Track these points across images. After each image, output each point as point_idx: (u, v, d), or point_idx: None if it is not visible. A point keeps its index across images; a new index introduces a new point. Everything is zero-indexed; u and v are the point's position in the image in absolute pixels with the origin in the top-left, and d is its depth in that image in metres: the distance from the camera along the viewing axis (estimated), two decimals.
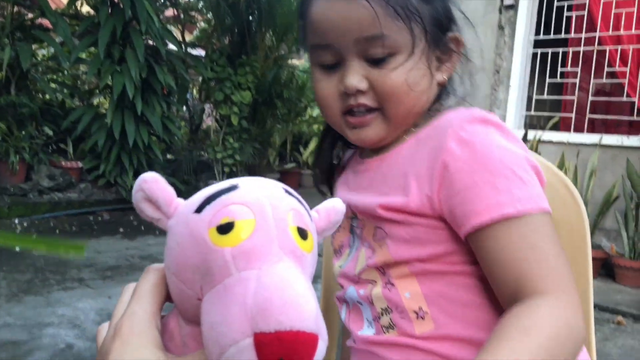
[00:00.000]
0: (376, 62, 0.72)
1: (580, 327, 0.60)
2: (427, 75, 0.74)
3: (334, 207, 0.55)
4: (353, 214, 0.80)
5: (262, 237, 0.43)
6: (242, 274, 0.41)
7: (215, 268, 0.43)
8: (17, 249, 4.03)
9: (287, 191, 0.48)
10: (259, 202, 0.45)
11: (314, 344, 0.40)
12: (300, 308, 0.39)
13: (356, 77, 0.72)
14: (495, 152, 0.66)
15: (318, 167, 0.91)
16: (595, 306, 3.35)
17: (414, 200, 0.69)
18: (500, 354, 0.56)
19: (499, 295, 0.66)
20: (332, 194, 0.89)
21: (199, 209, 0.45)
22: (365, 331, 0.77)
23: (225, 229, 0.43)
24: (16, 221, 4.93)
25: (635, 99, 4.46)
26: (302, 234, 0.46)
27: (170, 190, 0.48)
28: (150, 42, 5.56)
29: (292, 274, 0.42)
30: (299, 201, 0.49)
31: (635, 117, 4.45)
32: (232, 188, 0.46)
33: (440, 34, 0.75)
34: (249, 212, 0.44)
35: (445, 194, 0.67)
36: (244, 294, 0.40)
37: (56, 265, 3.77)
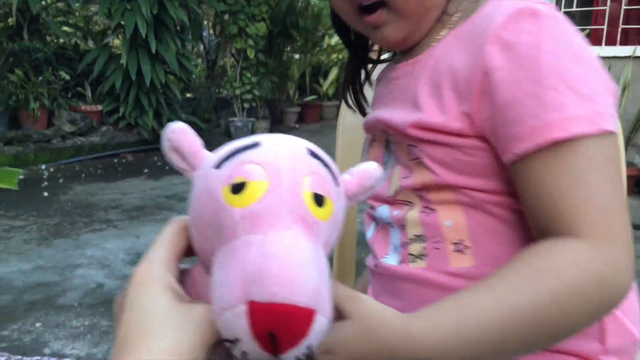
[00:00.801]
0: None
1: (619, 285, 0.50)
2: None
3: (368, 171, 0.51)
4: (384, 130, 0.70)
5: (273, 200, 0.41)
6: (247, 238, 0.40)
7: (225, 227, 0.42)
8: (45, 194, 4.10)
9: (311, 152, 0.45)
10: (276, 163, 0.43)
11: (308, 320, 0.38)
12: (296, 280, 0.38)
13: None
14: (544, 56, 0.54)
15: (348, 85, 0.81)
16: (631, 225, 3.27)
17: (452, 119, 0.59)
18: (500, 289, 0.49)
19: (533, 231, 0.57)
20: (362, 113, 0.81)
21: (218, 165, 0.44)
22: (389, 259, 0.68)
23: (238, 188, 0.42)
24: (42, 167, 4.99)
25: None
26: (319, 200, 0.43)
27: (197, 142, 0.47)
28: None
29: (297, 244, 0.40)
30: (325, 164, 0.46)
31: None
32: (254, 145, 0.44)
33: None
34: (263, 173, 0.42)
35: (485, 111, 0.57)
36: (244, 259, 0.39)
37: (83, 207, 3.83)
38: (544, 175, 0.53)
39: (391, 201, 0.69)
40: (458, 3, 0.65)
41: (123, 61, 5.22)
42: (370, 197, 0.72)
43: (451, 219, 0.62)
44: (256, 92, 6.34)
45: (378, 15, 0.64)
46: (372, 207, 0.73)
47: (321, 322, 0.39)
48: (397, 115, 0.65)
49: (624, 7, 4.41)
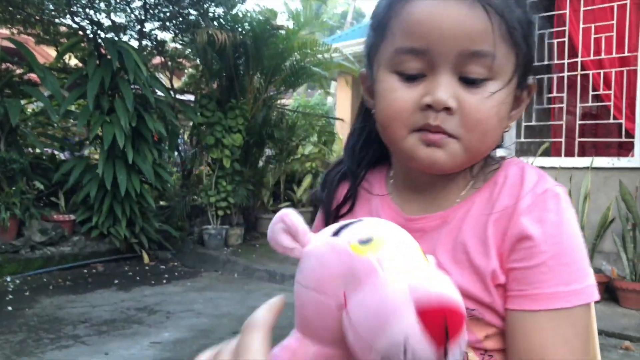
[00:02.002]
0: (470, 83, 0.64)
1: None
2: (507, 114, 0.68)
3: None
4: None
5: (399, 249, 0.51)
6: (390, 273, 0.47)
7: (361, 272, 0.48)
8: (10, 308, 3.95)
9: None
10: (388, 226, 0.54)
11: (463, 314, 0.46)
12: (452, 287, 0.46)
13: (448, 92, 0.63)
14: (565, 238, 0.65)
15: (352, 172, 0.81)
16: (600, 332, 3.29)
17: (495, 298, 0.66)
18: None
19: None
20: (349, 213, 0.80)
21: (336, 233, 0.53)
22: None
23: (365, 242, 0.50)
24: (8, 279, 4.84)
25: (622, 121, 4.49)
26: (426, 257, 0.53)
27: (304, 223, 0.55)
28: (139, 91, 5.59)
29: (438, 273, 0.49)
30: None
31: (624, 139, 4.47)
32: (359, 220, 0.54)
33: (527, 73, 0.69)
34: (381, 232, 0.52)
35: (509, 263, 0.66)
36: (400, 284, 0.46)
37: (50, 322, 3.69)
38: (541, 330, 0.63)
39: None
40: (479, 168, 0.73)
41: (99, 171, 5.28)
42: None
43: None
44: (231, 200, 6.40)
45: (440, 137, 0.65)
46: None
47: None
48: (458, 277, 0.66)
49: (578, 121, 4.72)
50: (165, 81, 6.48)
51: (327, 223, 0.79)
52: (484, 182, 0.71)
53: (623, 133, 4.49)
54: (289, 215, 0.54)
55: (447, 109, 0.63)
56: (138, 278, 5.13)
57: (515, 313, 0.65)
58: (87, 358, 3.05)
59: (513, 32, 0.64)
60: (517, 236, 0.65)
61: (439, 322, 0.44)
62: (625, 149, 4.61)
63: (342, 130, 9.42)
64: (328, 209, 0.82)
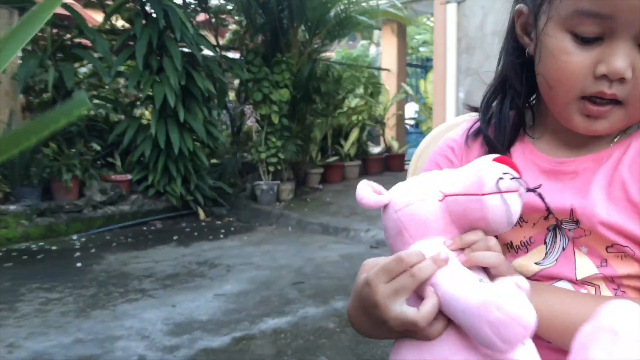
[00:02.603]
0: None
1: None
2: None
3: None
4: (571, 219, 0.71)
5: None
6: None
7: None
8: (79, 264, 4.13)
9: None
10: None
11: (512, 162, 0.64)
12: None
13: (626, 61, 0.61)
14: None
15: (501, 130, 0.77)
16: None
17: None
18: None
19: None
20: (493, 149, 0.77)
21: None
22: None
23: None
24: (74, 237, 5.06)
25: None
26: None
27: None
28: (186, 50, 5.60)
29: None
30: None
31: None
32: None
33: None
34: None
35: None
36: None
37: (117, 277, 3.84)
38: None
39: (574, 281, 0.70)
40: None
41: (152, 131, 5.37)
42: (534, 273, 0.73)
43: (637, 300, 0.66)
44: (281, 156, 6.43)
45: (607, 110, 0.64)
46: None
47: None
48: (600, 214, 0.66)
49: None
50: (210, 38, 6.45)
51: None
52: (638, 127, 0.70)
53: None
54: (370, 182, 0.70)
55: (622, 79, 0.61)
56: (196, 234, 5.26)
57: None
58: (155, 310, 3.17)
59: None
60: None
61: (507, 163, 0.63)
62: None
63: (388, 80, 9.25)
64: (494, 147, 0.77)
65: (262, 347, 2.66)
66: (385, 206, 0.69)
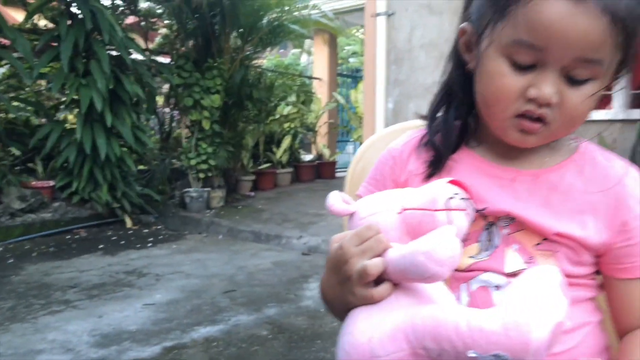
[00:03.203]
0: (573, 82, 0.70)
1: None
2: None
3: None
4: (507, 218, 0.79)
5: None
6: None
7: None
8: None
9: None
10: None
11: (467, 187, 0.77)
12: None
13: (554, 88, 0.69)
14: None
15: (444, 141, 0.84)
16: None
17: (592, 237, 0.76)
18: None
19: (624, 323, 0.80)
20: (431, 176, 0.84)
21: None
22: None
23: None
24: None
25: None
26: None
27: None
28: (114, 53, 5.44)
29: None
30: None
31: (602, 91, 4.55)
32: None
33: (627, 64, 0.74)
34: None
35: (619, 242, 0.77)
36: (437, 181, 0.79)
37: (38, 288, 3.67)
38: None
39: (504, 274, 0.77)
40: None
41: (77, 136, 5.18)
42: (468, 265, 0.79)
43: None
44: (212, 162, 6.36)
45: (537, 127, 0.72)
46: (465, 274, 0.79)
47: None
48: (539, 218, 0.76)
49: None
50: (139, 42, 6.30)
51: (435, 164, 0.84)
52: (570, 153, 0.81)
53: None
54: (339, 192, 0.81)
55: (549, 104, 0.69)
56: (123, 242, 5.11)
57: (627, 281, 0.78)
58: (81, 321, 3.06)
59: (629, 40, 0.68)
60: (630, 218, 0.76)
61: (458, 184, 0.74)
62: (603, 102, 4.69)
63: (320, 89, 9.37)
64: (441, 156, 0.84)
65: (194, 356, 2.63)
66: (352, 215, 0.79)
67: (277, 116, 7.89)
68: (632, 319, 0.79)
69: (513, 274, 0.77)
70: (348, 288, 0.70)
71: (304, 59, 13.64)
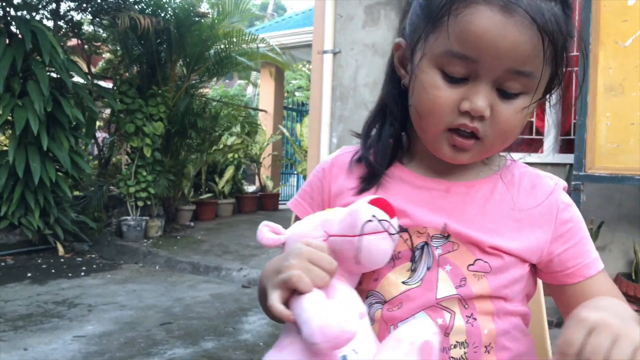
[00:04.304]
0: (505, 95, 0.70)
1: None
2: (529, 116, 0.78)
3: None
4: (441, 233, 0.78)
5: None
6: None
7: (334, 216, 0.78)
8: None
9: None
10: None
11: (391, 205, 0.74)
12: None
13: (486, 101, 0.69)
14: (581, 216, 0.83)
15: (380, 154, 0.84)
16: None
17: (528, 249, 0.78)
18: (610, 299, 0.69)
19: None
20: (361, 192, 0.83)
21: None
22: None
23: None
24: None
25: (534, 120, 4.82)
26: None
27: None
28: (54, 75, 5.29)
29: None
30: None
31: (534, 136, 4.80)
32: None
33: (558, 80, 0.76)
34: None
35: (559, 247, 0.80)
36: (360, 202, 0.75)
37: None
38: (598, 287, 0.80)
39: (431, 305, 0.76)
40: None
41: (10, 158, 4.96)
42: (400, 293, 0.78)
43: (487, 327, 0.76)
44: (151, 190, 6.22)
45: (470, 144, 0.73)
46: (398, 306, 0.77)
47: None
48: (473, 231, 0.77)
49: None
50: (81, 65, 6.17)
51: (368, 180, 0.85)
52: (499, 168, 0.83)
53: (534, 131, 4.82)
54: (269, 222, 0.80)
55: (481, 117, 0.70)
56: (53, 271, 4.88)
57: (577, 285, 0.80)
58: (4, 354, 2.88)
59: (559, 54, 0.70)
60: (562, 222, 0.80)
61: (381, 204, 0.71)
62: (535, 146, 4.95)
63: (265, 121, 9.41)
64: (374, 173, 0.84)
65: None
66: (283, 245, 0.78)
67: (221, 146, 7.84)
68: None
69: (443, 306, 0.76)
70: (275, 279, 0.67)
71: (249, 90, 13.70)
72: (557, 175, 0.87)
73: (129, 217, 6.21)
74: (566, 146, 4.63)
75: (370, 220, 0.69)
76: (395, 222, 0.73)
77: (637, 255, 4.08)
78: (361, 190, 0.83)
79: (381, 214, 0.70)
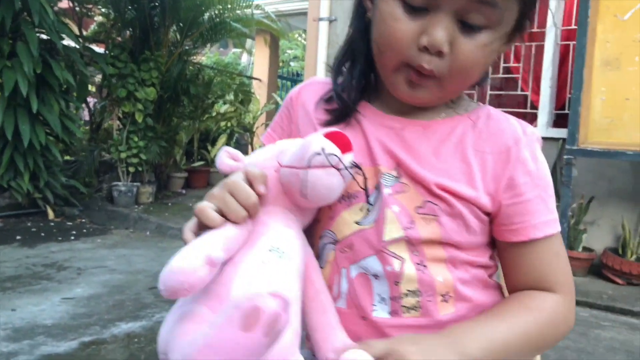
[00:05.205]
0: (467, 29, 0.66)
1: (571, 325, 0.76)
2: (495, 57, 0.73)
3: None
4: (393, 173, 0.75)
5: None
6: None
7: (287, 145, 0.75)
8: None
9: None
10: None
11: (347, 137, 0.72)
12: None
13: (445, 35, 0.65)
14: (548, 176, 0.77)
15: (347, 93, 0.81)
16: None
17: (482, 196, 0.73)
18: (499, 318, 0.70)
19: (513, 287, 0.78)
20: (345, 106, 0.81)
21: None
22: (379, 312, 0.74)
23: None
24: None
25: (529, 93, 4.80)
26: None
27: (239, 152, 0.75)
28: (45, 36, 5.19)
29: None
30: None
31: (529, 110, 4.78)
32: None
33: (524, 20, 0.71)
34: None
35: (508, 198, 0.74)
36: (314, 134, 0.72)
37: None
38: (540, 253, 0.75)
39: (379, 249, 0.73)
40: (458, 95, 0.80)
41: None
42: (353, 233, 0.75)
43: (441, 275, 0.73)
44: (143, 157, 6.17)
45: (425, 80, 0.69)
46: (350, 248, 0.75)
47: None
48: (423, 169, 0.73)
49: (489, 91, 4.98)
50: (73, 28, 6.05)
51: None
52: (466, 112, 0.78)
53: (528, 104, 4.79)
54: (229, 148, 0.74)
55: (440, 52, 0.66)
56: (43, 234, 4.87)
57: (517, 245, 0.75)
58: None
59: None
60: (520, 173, 0.74)
61: (337, 138, 0.68)
62: (529, 120, 4.93)
63: (259, 90, 9.32)
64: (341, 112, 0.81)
65: (114, 352, 2.53)
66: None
67: (214, 114, 7.77)
68: (529, 282, 0.76)
69: (392, 253, 0.73)
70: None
71: (244, 58, 13.54)
72: (550, 149, 0.84)
73: (120, 183, 6.17)
74: (560, 120, 4.62)
75: (318, 154, 0.65)
76: (348, 157, 0.69)
77: (624, 231, 4.11)
78: (327, 123, 0.80)
79: (331, 148, 0.66)
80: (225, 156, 0.74)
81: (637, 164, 4.14)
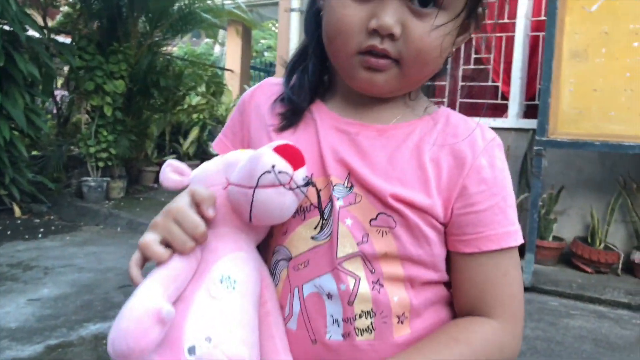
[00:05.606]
0: (419, 10, 0.64)
1: (511, 353, 0.69)
2: (451, 44, 0.69)
3: None
4: (346, 183, 0.70)
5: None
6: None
7: (232, 158, 0.72)
8: None
9: None
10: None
11: (301, 153, 0.66)
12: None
13: (394, 18, 0.63)
14: (508, 184, 0.72)
15: (300, 92, 0.77)
16: None
17: (437, 204, 0.69)
18: (423, 352, 0.65)
19: (457, 306, 0.73)
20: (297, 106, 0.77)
21: None
22: (332, 334, 0.69)
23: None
24: None
25: (499, 84, 4.82)
26: None
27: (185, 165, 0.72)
28: (7, 27, 5.03)
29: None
30: None
31: (499, 101, 4.81)
32: None
33: (478, 3, 0.69)
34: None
35: (460, 208, 0.69)
36: (264, 148, 0.66)
37: None
38: (485, 269, 0.70)
39: (333, 266, 0.69)
40: (417, 95, 0.76)
41: None
42: (309, 249, 0.71)
43: (397, 295, 0.69)
44: (112, 151, 6.06)
45: (384, 63, 0.66)
46: (304, 264, 0.71)
47: None
48: (377, 179, 0.68)
49: (460, 83, 4.99)
50: (37, 19, 5.88)
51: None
52: (425, 114, 0.75)
53: (499, 95, 4.82)
54: (174, 161, 0.71)
55: (391, 35, 0.64)
56: (9, 232, 4.75)
57: (465, 257, 0.70)
58: None
59: None
60: (475, 181, 0.69)
61: (289, 153, 0.63)
62: (500, 111, 4.96)
63: (232, 81, 9.23)
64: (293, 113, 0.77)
65: (81, 355, 2.48)
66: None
67: (185, 106, 7.66)
68: (470, 300, 0.71)
69: (347, 271, 0.68)
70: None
71: (217, 49, 13.38)
72: (521, 140, 0.81)
73: (89, 178, 6.05)
74: (531, 111, 4.65)
75: (268, 172, 0.61)
76: (300, 173, 0.64)
77: (593, 220, 4.17)
78: (281, 128, 0.76)
79: (282, 165, 0.62)
80: (169, 171, 0.69)
81: (604, 154, 4.20)
